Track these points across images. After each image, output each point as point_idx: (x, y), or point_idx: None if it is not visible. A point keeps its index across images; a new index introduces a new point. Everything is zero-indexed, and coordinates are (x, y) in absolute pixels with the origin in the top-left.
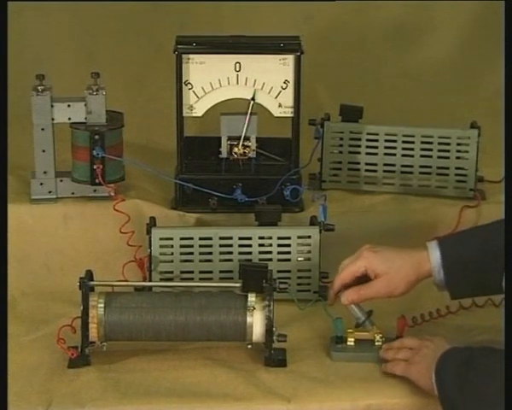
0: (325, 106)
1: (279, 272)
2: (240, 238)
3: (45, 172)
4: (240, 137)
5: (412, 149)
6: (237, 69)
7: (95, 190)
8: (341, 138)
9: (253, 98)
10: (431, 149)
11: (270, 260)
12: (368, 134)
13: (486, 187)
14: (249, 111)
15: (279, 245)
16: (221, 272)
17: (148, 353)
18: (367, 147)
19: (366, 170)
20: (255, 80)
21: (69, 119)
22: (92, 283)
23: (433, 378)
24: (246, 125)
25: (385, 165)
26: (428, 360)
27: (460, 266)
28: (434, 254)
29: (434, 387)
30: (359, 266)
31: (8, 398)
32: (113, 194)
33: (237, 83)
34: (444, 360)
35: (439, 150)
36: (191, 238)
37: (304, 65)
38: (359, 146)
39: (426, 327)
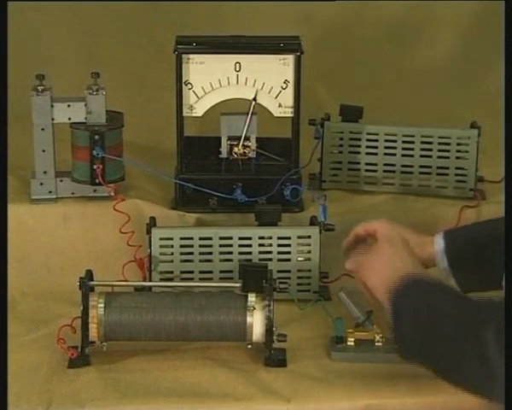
0: (325, 106)
1: (279, 272)
2: (240, 238)
3: (45, 172)
4: (240, 137)
5: (412, 149)
6: (237, 69)
7: (95, 190)
8: (341, 138)
9: (254, 98)
10: (431, 149)
11: (270, 260)
12: (368, 134)
13: (486, 187)
14: (250, 111)
15: (279, 245)
16: (221, 272)
17: (148, 353)
18: (367, 147)
19: (366, 170)
20: (255, 80)
21: (69, 119)
22: (92, 283)
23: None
24: (246, 125)
25: (385, 165)
26: (386, 270)
27: (464, 255)
28: (438, 242)
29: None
30: (373, 225)
31: (8, 398)
32: (113, 194)
33: (237, 83)
34: (404, 294)
35: (439, 150)
36: (191, 238)
37: (304, 65)
38: (359, 146)
39: None
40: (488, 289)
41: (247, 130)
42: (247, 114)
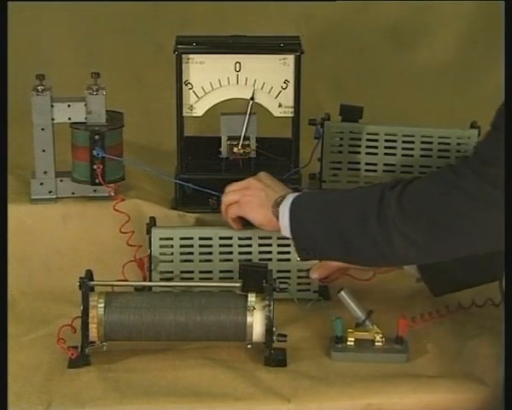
0: (325, 106)
1: (279, 272)
2: (240, 238)
3: (45, 172)
4: (240, 137)
5: (412, 149)
6: (237, 69)
7: (95, 190)
8: (341, 138)
9: (252, 98)
10: (431, 149)
11: (270, 260)
12: (368, 134)
13: None
14: (248, 111)
15: (279, 245)
16: (221, 271)
17: (148, 353)
18: (367, 147)
19: (366, 170)
20: (255, 80)
21: (69, 119)
22: (92, 283)
23: (280, 213)
24: (245, 125)
25: (385, 165)
26: (261, 195)
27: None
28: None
29: (282, 223)
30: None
31: (8, 398)
32: (113, 194)
33: (237, 83)
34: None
35: (439, 150)
36: (191, 238)
37: (304, 65)
38: (359, 146)
39: (426, 327)
40: (461, 288)
41: (246, 130)
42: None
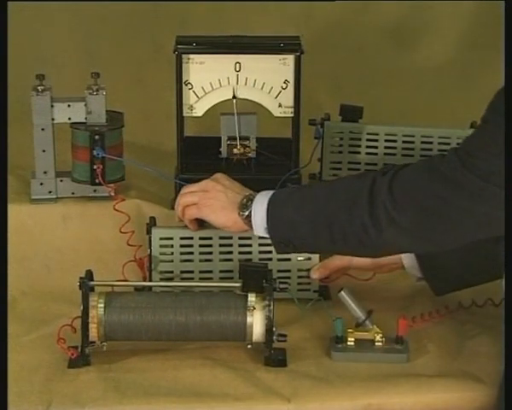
0: (325, 106)
1: (279, 271)
2: (240, 238)
3: (45, 172)
4: (240, 137)
5: (412, 149)
6: (237, 69)
7: (95, 190)
8: (341, 138)
9: (234, 97)
10: (431, 149)
11: (270, 260)
12: (368, 134)
13: None
14: (235, 111)
15: None
16: (221, 271)
17: (148, 353)
18: (367, 147)
19: (366, 170)
20: (255, 80)
21: (69, 119)
22: (92, 283)
23: (253, 211)
24: (238, 125)
25: (385, 165)
26: (221, 197)
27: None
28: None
29: (255, 221)
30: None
31: (8, 398)
32: (113, 194)
33: (237, 83)
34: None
35: (439, 150)
36: (191, 238)
37: (304, 65)
38: (359, 146)
39: (426, 327)
40: (463, 287)
41: (244, 130)
42: (247, 114)
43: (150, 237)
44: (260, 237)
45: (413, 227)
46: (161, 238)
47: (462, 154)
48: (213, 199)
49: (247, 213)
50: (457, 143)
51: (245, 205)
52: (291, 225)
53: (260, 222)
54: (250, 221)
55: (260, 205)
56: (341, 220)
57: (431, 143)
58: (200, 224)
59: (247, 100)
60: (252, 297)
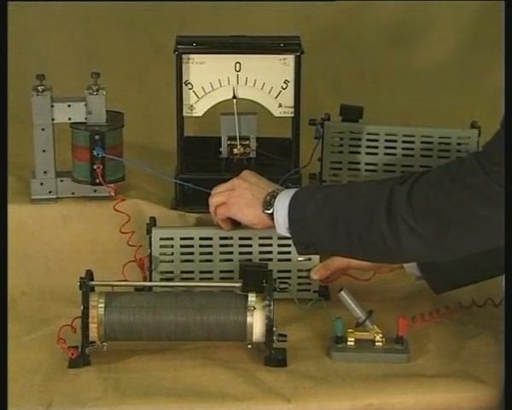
0: (325, 106)
1: (279, 272)
2: (240, 238)
3: (45, 172)
4: (240, 137)
5: (412, 149)
6: (237, 69)
7: (95, 190)
8: (341, 138)
9: (234, 97)
10: (431, 149)
11: (270, 260)
12: (368, 134)
13: None
14: (235, 111)
15: (279, 245)
16: (221, 272)
17: (148, 353)
18: (367, 147)
19: (366, 170)
20: (255, 80)
21: (69, 119)
22: (92, 283)
23: (275, 208)
24: (238, 125)
25: (385, 165)
26: (247, 195)
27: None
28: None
29: (277, 219)
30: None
31: (8, 398)
32: (113, 194)
33: (237, 83)
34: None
35: (439, 150)
36: (191, 238)
37: (304, 65)
38: (359, 146)
39: (426, 327)
40: (462, 285)
41: (244, 130)
42: (247, 114)
43: (150, 237)
44: (260, 237)
45: (433, 237)
46: (161, 238)
47: (483, 160)
48: (239, 197)
49: (270, 211)
50: (458, 144)
51: (268, 202)
52: (311, 229)
53: (283, 222)
54: (273, 219)
55: (282, 204)
56: (360, 229)
57: (431, 143)
58: (235, 223)
59: (247, 100)
60: (252, 297)
